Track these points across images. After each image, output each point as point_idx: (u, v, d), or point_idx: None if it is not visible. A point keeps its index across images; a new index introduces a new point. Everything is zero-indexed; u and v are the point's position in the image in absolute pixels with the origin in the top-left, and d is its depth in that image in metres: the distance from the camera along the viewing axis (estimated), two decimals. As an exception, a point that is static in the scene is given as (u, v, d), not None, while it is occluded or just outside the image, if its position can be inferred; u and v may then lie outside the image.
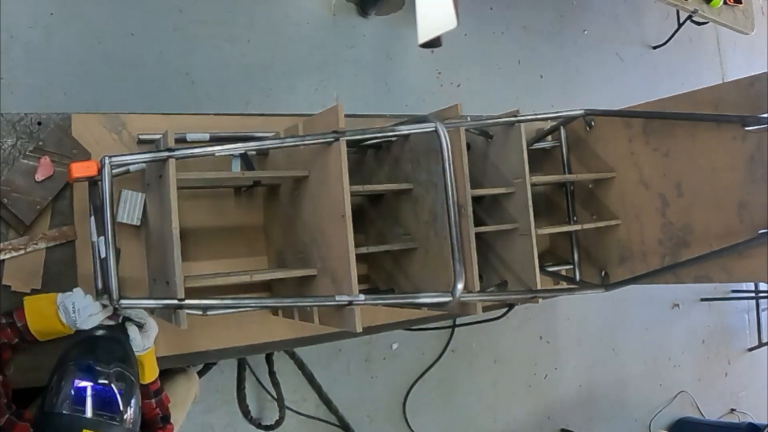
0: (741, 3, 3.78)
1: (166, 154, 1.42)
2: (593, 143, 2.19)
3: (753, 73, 1.78)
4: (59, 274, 1.61)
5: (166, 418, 1.56)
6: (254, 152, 1.83)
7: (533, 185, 1.90)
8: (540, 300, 1.88)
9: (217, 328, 1.79)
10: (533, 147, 2.22)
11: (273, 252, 1.88)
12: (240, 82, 2.85)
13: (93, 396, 1.23)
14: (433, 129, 1.59)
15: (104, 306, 1.43)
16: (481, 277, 1.80)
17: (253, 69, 2.90)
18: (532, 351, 3.66)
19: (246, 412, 2.63)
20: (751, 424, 3.64)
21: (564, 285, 2.27)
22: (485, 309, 2.09)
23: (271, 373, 2.64)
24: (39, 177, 1.58)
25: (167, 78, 2.67)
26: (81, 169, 1.41)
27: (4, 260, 1.54)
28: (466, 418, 3.36)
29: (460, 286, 1.56)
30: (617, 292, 2.12)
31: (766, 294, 4.85)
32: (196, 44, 2.76)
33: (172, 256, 1.39)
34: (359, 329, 1.52)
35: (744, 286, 4.85)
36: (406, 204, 1.88)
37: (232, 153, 1.70)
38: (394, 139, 1.89)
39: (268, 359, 2.64)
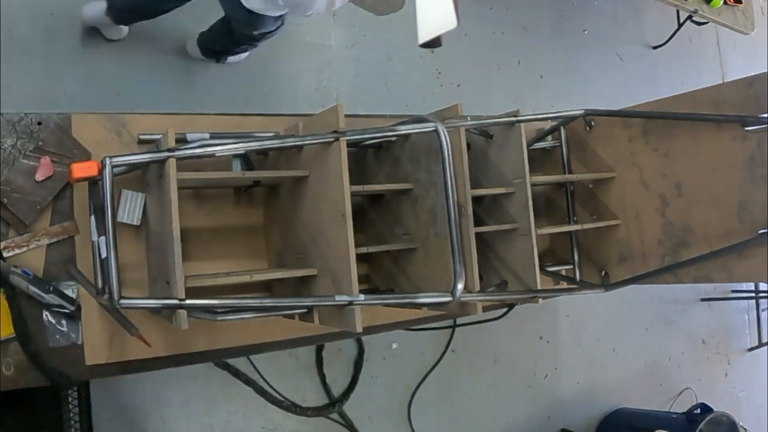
0: (741, 3, 3.79)
1: (166, 154, 1.42)
2: (593, 143, 2.19)
3: (753, 73, 1.78)
4: (59, 275, 1.61)
5: None
6: (254, 152, 1.83)
7: (533, 185, 1.90)
8: (540, 300, 1.88)
9: (216, 328, 1.78)
10: (533, 147, 2.21)
11: (273, 252, 1.88)
12: (240, 82, 2.85)
13: None
14: (433, 129, 1.59)
15: None
16: (481, 277, 1.80)
17: (253, 69, 2.90)
18: (532, 351, 3.66)
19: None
20: (704, 405, 3.64)
21: (564, 285, 2.27)
22: (485, 309, 2.08)
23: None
24: (39, 177, 1.58)
25: (167, 78, 2.68)
26: (82, 170, 1.41)
27: (6, 258, 1.54)
28: (466, 418, 3.37)
29: (460, 286, 1.56)
30: (617, 292, 2.12)
31: (766, 294, 4.86)
32: (196, 44, 2.76)
33: (172, 256, 1.39)
34: (359, 329, 1.52)
35: (744, 286, 4.86)
36: (406, 204, 1.88)
37: (232, 153, 1.70)
38: (394, 139, 1.89)
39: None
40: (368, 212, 2.04)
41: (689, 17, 3.96)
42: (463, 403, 3.36)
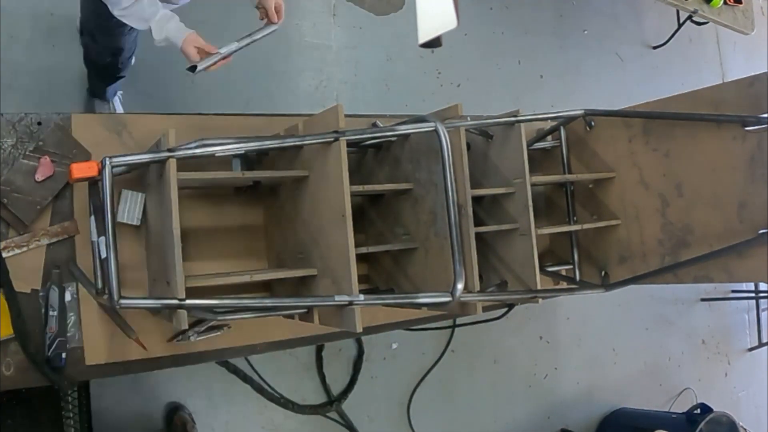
0: (741, 3, 3.79)
1: (167, 154, 1.42)
2: (593, 143, 2.19)
3: (753, 73, 1.78)
4: (58, 274, 1.61)
5: None
6: (254, 152, 1.83)
7: (533, 185, 1.90)
8: (540, 300, 1.88)
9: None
10: (533, 147, 2.22)
11: (273, 252, 1.88)
12: (240, 82, 2.85)
13: None
14: (433, 129, 1.59)
15: None
16: (481, 277, 1.80)
17: (253, 69, 2.90)
18: (532, 351, 3.66)
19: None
20: (704, 405, 3.65)
21: (564, 285, 2.27)
22: (485, 309, 2.08)
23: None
24: (39, 177, 1.58)
25: (167, 78, 2.67)
26: (81, 170, 1.41)
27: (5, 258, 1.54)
28: (466, 418, 3.36)
29: (460, 286, 1.56)
30: (617, 292, 2.12)
31: (766, 294, 4.86)
32: (196, 44, 2.76)
33: (172, 256, 1.39)
34: (359, 329, 1.51)
35: (744, 286, 4.86)
36: (406, 204, 1.88)
37: (232, 153, 1.70)
38: (394, 139, 1.89)
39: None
40: (368, 212, 2.04)
41: (689, 17, 3.95)
42: (463, 403, 3.36)
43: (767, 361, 4.95)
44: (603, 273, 2.19)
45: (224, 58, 1.76)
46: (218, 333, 1.76)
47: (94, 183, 1.48)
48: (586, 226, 2.13)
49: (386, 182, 1.93)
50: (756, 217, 1.78)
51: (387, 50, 3.31)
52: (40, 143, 1.60)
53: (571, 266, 2.25)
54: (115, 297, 1.36)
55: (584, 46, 4.20)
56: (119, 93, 2.58)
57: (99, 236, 1.44)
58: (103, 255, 1.41)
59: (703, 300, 4.66)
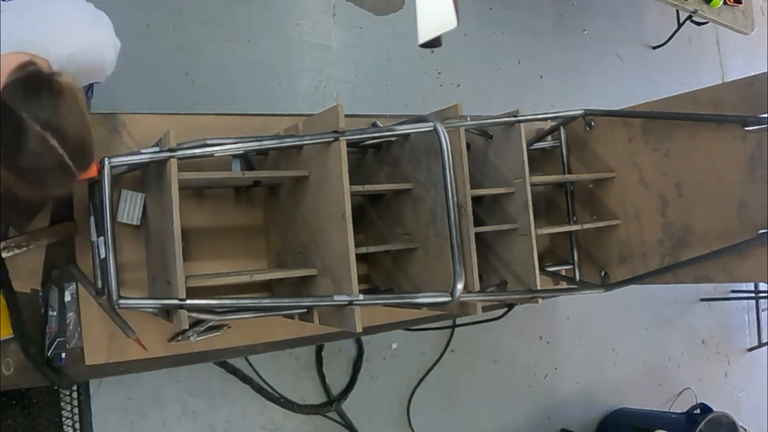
0: (741, 3, 3.79)
1: (167, 154, 1.42)
2: (593, 143, 2.19)
3: (753, 73, 1.78)
4: (58, 274, 1.60)
5: None
6: (254, 152, 1.82)
7: (533, 185, 1.90)
8: (540, 300, 1.88)
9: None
10: (533, 147, 2.22)
11: (273, 252, 1.88)
12: (240, 82, 2.85)
13: None
14: (433, 129, 1.59)
15: None
16: (481, 277, 1.80)
17: (253, 69, 2.90)
18: (532, 351, 3.66)
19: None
20: (704, 405, 3.65)
21: (564, 285, 2.27)
22: (485, 309, 2.08)
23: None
24: (39, 177, 1.57)
25: (167, 78, 2.68)
26: (81, 171, 1.40)
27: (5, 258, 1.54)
28: (466, 418, 3.36)
29: (459, 286, 1.56)
30: (617, 292, 2.12)
31: (766, 294, 4.86)
32: (196, 44, 2.77)
33: (173, 256, 1.39)
34: (359, 329, 1.51)
35: (744, 286, 4.86)
36: (406, 204, 1.88)
37: (231, 153, 1.70)
38: (394, 139, 1.89)
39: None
40: (368, 212, 2.04)
41: (689, 17, 3.96)
42: (462, 403, 3.36)
43: (767, 361, 4.95)
44: (603, 273, 2.19)
45: None
46: (218, 333, 1.76)
47: (94, 183, 1.47)
48: (586, 226, 2.13)
49: (386, 182, 1.93)
50: (756, 217, 1.79)
51: (387, 50, 3.31)
52: (40, 143, 1.59)
53: (571, 266, 2.24)
54: (114, 297, 1.37)
55: (584, 46, 4.20)
56: None
57: (99, 236, 1.44)
58: (103, 255, 1.41)
59: (703, 300, 4.66)
